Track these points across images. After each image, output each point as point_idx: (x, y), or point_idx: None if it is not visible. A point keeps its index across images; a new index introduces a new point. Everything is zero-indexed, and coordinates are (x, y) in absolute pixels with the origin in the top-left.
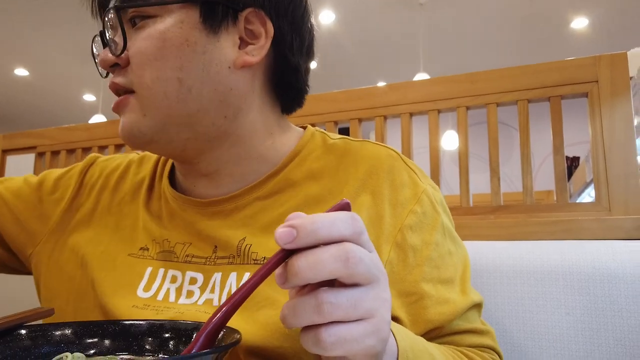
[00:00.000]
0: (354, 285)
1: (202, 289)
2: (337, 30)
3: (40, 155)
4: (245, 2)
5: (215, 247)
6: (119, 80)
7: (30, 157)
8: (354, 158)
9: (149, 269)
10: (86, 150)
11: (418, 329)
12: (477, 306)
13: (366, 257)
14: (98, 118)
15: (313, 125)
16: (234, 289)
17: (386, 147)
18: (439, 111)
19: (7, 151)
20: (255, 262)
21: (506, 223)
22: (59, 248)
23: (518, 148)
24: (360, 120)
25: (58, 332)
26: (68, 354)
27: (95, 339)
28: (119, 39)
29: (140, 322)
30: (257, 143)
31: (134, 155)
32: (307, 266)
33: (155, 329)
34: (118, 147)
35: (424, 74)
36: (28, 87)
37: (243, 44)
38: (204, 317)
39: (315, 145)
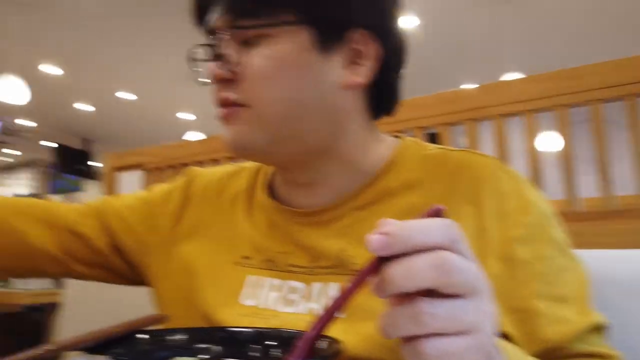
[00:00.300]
0: (454, 296)
1: (304, 298)
2: (419, 34)
3: (146, 171)
4: (355, 23)
5: (315, 256)
6: (231, 94)
7: (138, 174)
8: (453, 168)
9: (252, 278)
10: (184, 165)
11: (534, 348)
12: (600, 328)
13: (464, 266)
14: (192, 135)
15: (399, 132)
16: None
17: (487, 156)
18: (535, 111)
19: (118, 168)
20: (353, 272)
21: (619, 230)
22: (169, 258)
23: (624, 147)
24: (448, 124)
25: (171, 338)
26: (179, 358)
27: (205, 345)
28: (233, 55)
29: (247, 329)
30: (355, 155)
31: (230, 166)
32: (402, 274)
33: (261, 336)
34: (214, 162)
35: (515, 74)
36: (130, 108)
37: (351, 64)
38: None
39: (411, 154)
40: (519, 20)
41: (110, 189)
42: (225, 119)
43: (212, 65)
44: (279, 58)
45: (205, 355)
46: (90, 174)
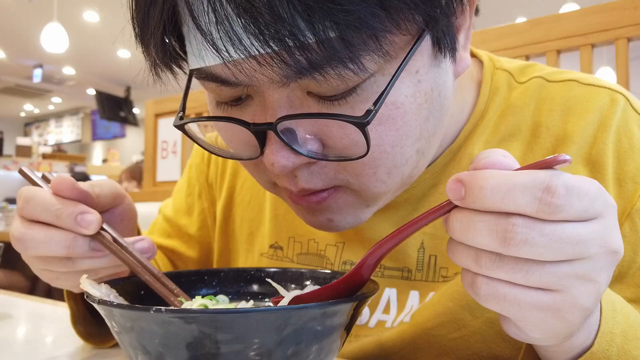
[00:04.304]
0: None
1: (371, 307)
2: None
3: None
4: None
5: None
6: (318, 184)
7: None
8: (559, 109)
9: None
10: None
11: None
12: None
13: (544, 237)
14: None
15: None
16: (413, 309)
17: (607, 86)
18: (593, 45)
19: (158, 115)
20: (445, 278)
21: None
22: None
23: None
24: None
25: (215, 277)
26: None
27: (244, 284)
28: (327, 128)
29: (282, 270)
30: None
31: None
32: (459, 228)
33: (297, 276)
34: None
35: (573, 4)
36: None
37: (451, 54)
38: (371, 345)
39: (501, 97)
40: None
41: (152, 135)
42: (318, 206)
43: (278, 157)
44: (401, 113)
45: (245, 292)
46: (132, 121)
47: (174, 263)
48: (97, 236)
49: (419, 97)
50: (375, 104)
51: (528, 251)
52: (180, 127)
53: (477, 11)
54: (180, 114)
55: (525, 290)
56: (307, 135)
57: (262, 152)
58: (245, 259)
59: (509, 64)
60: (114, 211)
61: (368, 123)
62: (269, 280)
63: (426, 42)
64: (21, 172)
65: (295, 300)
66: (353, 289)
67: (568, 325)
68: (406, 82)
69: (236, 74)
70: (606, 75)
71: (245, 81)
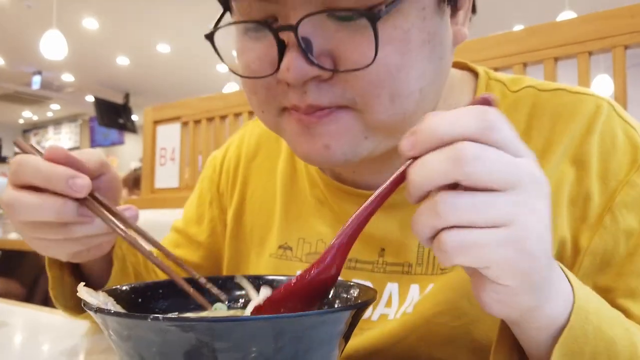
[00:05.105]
0: (486, 190)
1: (374, 303)
2: None
3: (184, 124)
4: None
5: (382, 249)
6: (325, 100)
7: (176, 126)
8: (549, 114)
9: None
10: (223, 118)
11: None
12: None
13: (490, 156)
14: (231, 86)
15: None
16: (414, 301)
17: (592, 94)
18: (590, 53)
19: (157, 122)
20: (443, 271)
21: None
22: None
23: None
24: (496, 69)
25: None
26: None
27: (243, 292)
28: (336, 44)
29: (281, 277)
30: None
31: (244, 135)
32: (416, 170)
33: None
34: (251, 114)
35: (570, 12)
36: (169, 61)
37: (453, 11)
38: (375, 336)
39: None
40: None
41: (151, 142)
42: (318, 124)
43: (295, 62)
44: (406, 39)
45: (242, 300)
46: (130, 128)
47: (179, 274)
48: (87, 202)
49: (423, 33)
50: (387, 6)
51: (480, 168)
52: (210, 36)
53: (474, 9)
54: (212, 28)
55: (484, 231)
56: (322, 49)
57: (278, 67)
58: (256, 263)
59: (502, 76)
60: (101, 179)
61: (379, 17)
62: (238, 282)
63: None
64: (16, 142)
65: (267, 303)
66: (322, 286)
67: (533, 260)
68: (413, 13)
69: None
70: (604, 82)
71: None
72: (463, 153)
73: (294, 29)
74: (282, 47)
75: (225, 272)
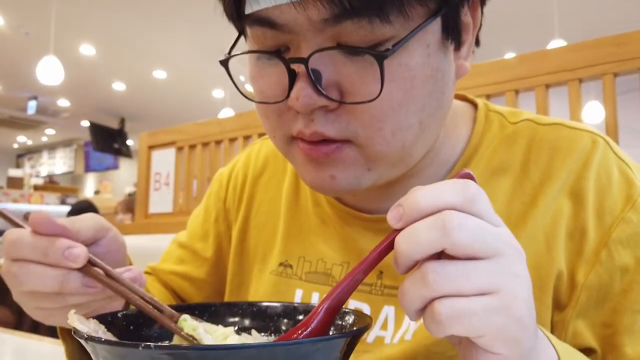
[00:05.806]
0: (470, 259)
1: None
2: None
3: (179, 149)
4: None
5: (381, 272)
6: (330, 130)
7: (171, 151)
8: (547, 148)
9: (299, 292)
10: (218, 143)
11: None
12: None
13: (473, 225)
14: (227, 112)
15: None
16: (412, 328)
17: (588, 130)
18: (581, 80)
19: (152, 147)
20: None
21: None
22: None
23: None
24: (488, 96)
25: (204, 311)
26: (187, 316)
27: (237, 318)
28: (344, 76)
29: (275, 304)
30: (443, 143)
31: (251, 153)
32: (404, 239)
33: (290, 310)
34: (246, 139)
35: (560, 41)
36: (165, 87)
37: (458, 46)
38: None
39: (493, 133)
40: None
41: (145, 167)
42: (325, 159)
43: (304, 92)
44: (411, 76)
45: (236, 327)
46: (125, 152)
47: (184, 289)
48: (86, 269)
49: (427, 69)
50: (394, 46)
51: (465, 236)
52: (225, 62)
53: (477, 42)
54: (227, 55)
55: (473, 299)
56: (330, 81)
57: (288, 94)
58: (258, 279)
59: (500, 108)
60: (99, 243)
61: (386, 57)
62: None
63: (437, 26)
64: (1, 212)
65: None
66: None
67: (521, 324)
68: (418, 51)
69: (284, 13)
70: (595, 109)
71: (290, 23)
72: (449, 221)
73: (305, 61)
74: (292, 76)
75: (228, 288)
